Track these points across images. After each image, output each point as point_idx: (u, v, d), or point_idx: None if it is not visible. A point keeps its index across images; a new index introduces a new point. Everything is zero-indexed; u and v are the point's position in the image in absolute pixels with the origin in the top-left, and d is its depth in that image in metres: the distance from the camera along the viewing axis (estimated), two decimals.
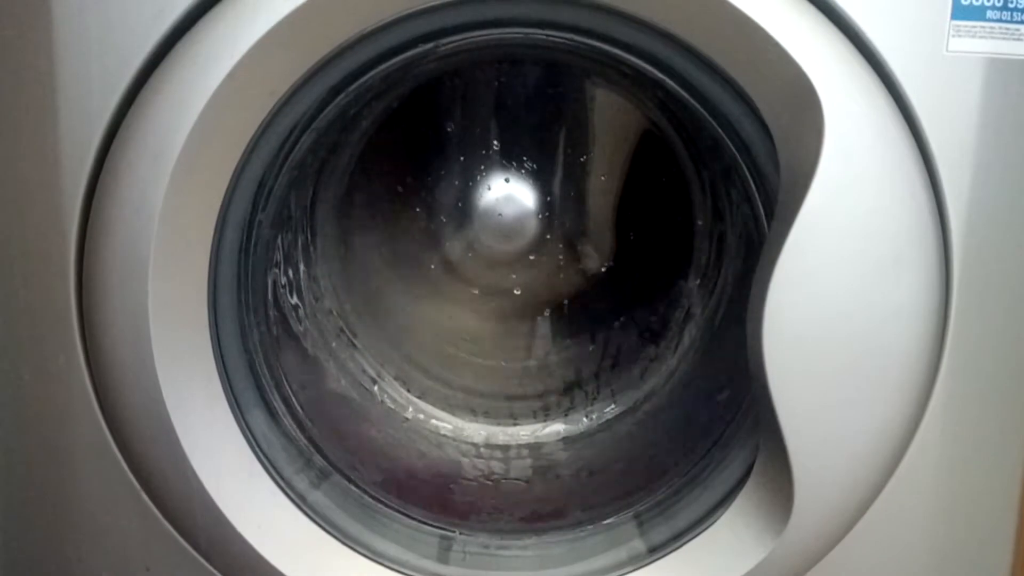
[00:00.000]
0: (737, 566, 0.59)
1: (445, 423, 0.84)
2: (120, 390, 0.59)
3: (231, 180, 0.60)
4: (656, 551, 0.64)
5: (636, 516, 0.68)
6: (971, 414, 0.61)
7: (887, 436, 0.58)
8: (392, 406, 0.83)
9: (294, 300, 0.78)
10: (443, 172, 0.84)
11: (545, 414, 0.85)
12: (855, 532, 0.61)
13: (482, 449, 0.82)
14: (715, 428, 0.70)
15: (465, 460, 0.80)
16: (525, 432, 0.84)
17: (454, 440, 0.83)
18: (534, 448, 0.83)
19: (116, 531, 0.64)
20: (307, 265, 0.80)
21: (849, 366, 0.55)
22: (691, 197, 0.82)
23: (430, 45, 0.62)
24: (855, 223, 0.54)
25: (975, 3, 0.54)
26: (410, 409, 0.84)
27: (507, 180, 0.83)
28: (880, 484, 0.60)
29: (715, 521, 0.62)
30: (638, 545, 0.66)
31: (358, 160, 0.82)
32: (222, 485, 0.60)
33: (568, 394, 0.86)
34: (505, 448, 0.82)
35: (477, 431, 0.84)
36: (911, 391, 0.58)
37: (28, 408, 0.62)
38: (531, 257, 0.84)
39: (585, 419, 0.84)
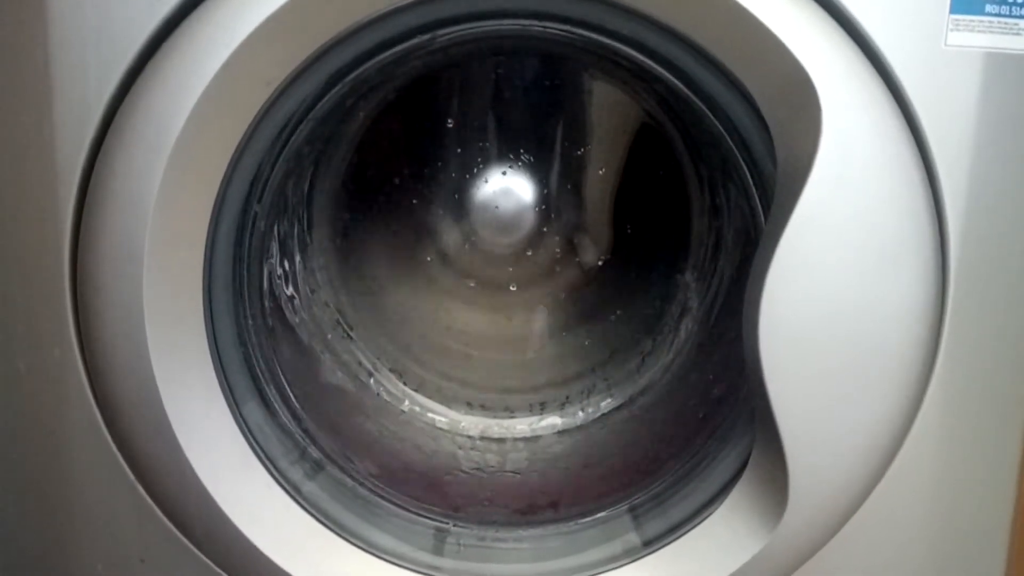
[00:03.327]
0: (731, 560, 0.59)
1: (441, 416, 0.84)
2: (115, 382, 0.59)
3: (227, 170, 0.60)
4: (651, 544, 0.64)
5: (631, 509, 0.68)
6: (967, 410, 0.61)
7: (882, 431, 0.58)
8: (388, 399, 0.83)
9: (290, 291, 0.78)
10: (440, 164, 0.83)
11: (541, 407, 0.85)
12: (850, 527, 0.61)
13: (478, 442, 0.82)
14: (711, 422, 0.70)
15: (461, 453, 0.80)
16: (521, 425, 0.84)
17: (450, 433, 0.83)
18: (530, 441, 0.83)
19: (111, 522, 0.64)
20: (303, 256, 0.80)
21: (845, 361, 0.55)
22: (688, 191, 0.82)
23: (427, 36, 0.61)
24: (852, 218, 0.54)
25: None
26: (406, 402, 0.84)
27: (504, 173, 0.82)
28: (875, 479, 0.60)
29: (710, 515, 0.62)
30: (633, 538, 0.66)
31: (355, 151, 0.82)
32: (217, 476, 0.60)
33: (564, 387, 0.86)
34: (501, 441, 0.82)
35: (473, 424, 0.84)
36: (907, 386, 0.58)
37: (24, 400, 0.62)
38: (528, 250, 0.84)
39: (581, 412, 0.84)
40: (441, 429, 0.83)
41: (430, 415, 0.84)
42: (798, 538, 0.59)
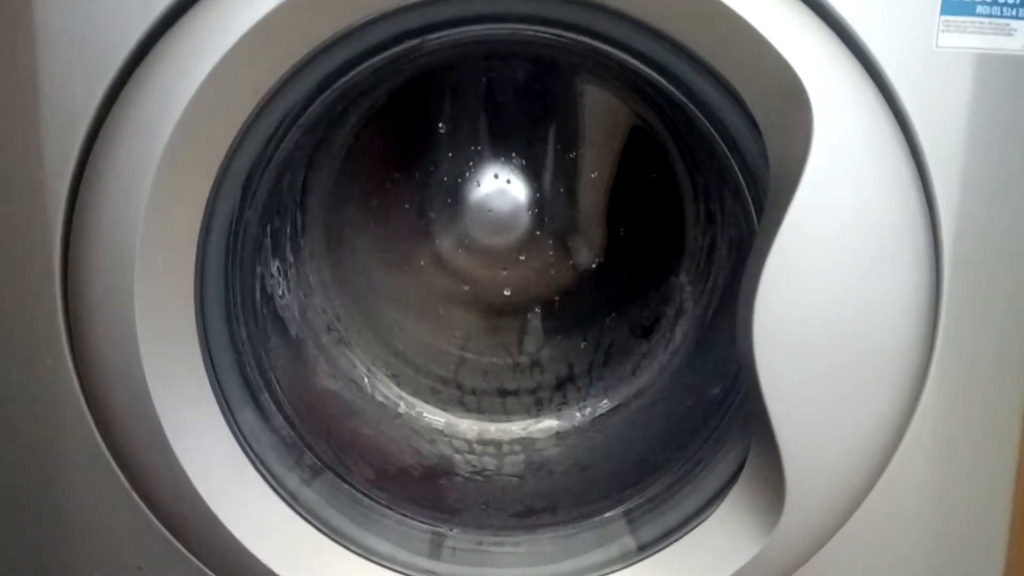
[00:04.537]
0: (727, 564, 0.59)
1: (437, 419, 0.84)
2: (108, 391, 0.58)
3: (216, 177, 0.59)
4: (646, 548, 0.64)
5: (627, 513, 0.68)
6: (963, 411, 0.60)
7: (879, 432, 0.58)
8: (383, 402, 0.83)
9: (283, 296, 0.78)
10: (432, 168, 0.83)
11: (538, 409, 0.85)
12: (847, 529, 0.61)
13: (474, 445, 0.82)
14: (707, 424, 0.70)
15: (457, 456, 0.80)
16: (517, 428, 0.84)
17: (446, 436, 0.83)
18: (526, 444, 0.82)
19: (107, 531, 0.63)
20: (296, 262, 0.80)
21: (840, 362, 0.55)
22: (681, 193, 0.81)
23: (417, 41, 0.61)
24: (844, 219, 0.53)
25: None
26: (402, 405, 0.84)
27: (496, 176, 0.82)
28: (872, 480, 0.60)
29: (706, 518, 0.62)
30: (628, 542, 0.65)
31: (346, 156, 0.82)
32: (212, 484, 0.60)
33: (560, 389, 0.86)
34: (497, 444, 0.82)
35: (469, 427, 0.84)
36: (902, 387, 0.58)
37: (17, 409, 0.62)
38: (522, 253, 0.84)
39: (578, 414, 0.84)
40: (437, 432, 0.83)
41: (426, 419, 0.84)
42: (795, 541, 0.59)
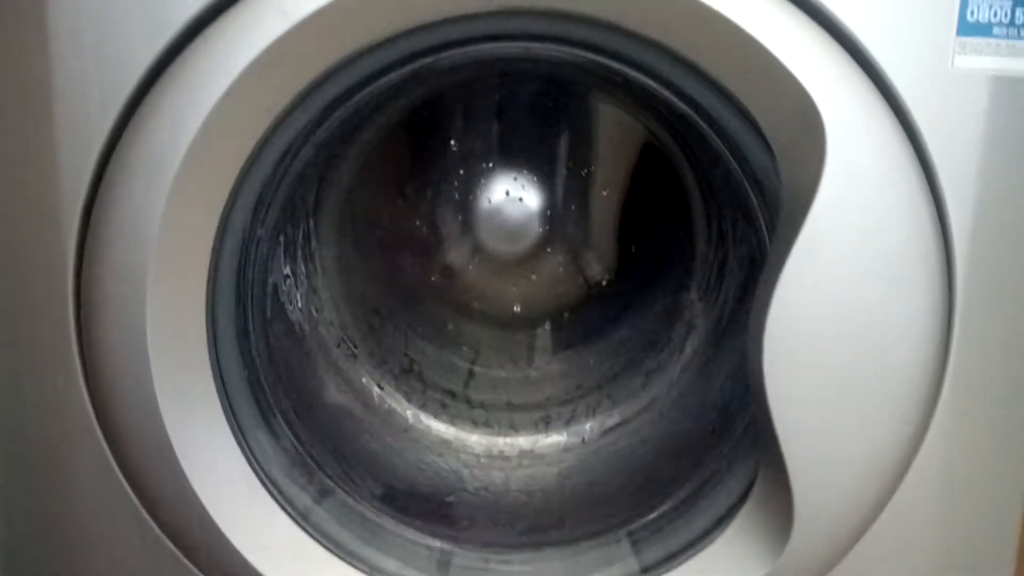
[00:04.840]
0: None
1: (446, 434, 0.84)
2: (119, 409, 0.58)
3: (229, 196, 0.59)
4: (649, 571, 0.63)
5: (631, 533, 0.68)
6: (975, 431, 0.60)
7: (889, 454, 0.58)
8: (393, 417, 0.83)
9: (294, 313, 0.78)
10: (444, 185, 0.83)
11: (546, 424, 0.84)
12: (856, 552, 0.60)
13: (483, 459, 0.82)
14: (716, 444, 0.69)
15: (466, 472, 0.80)
16: (526, 442, 0.83)
17: (454, 450, 0.82)
18: (534, 458, 0.82)
19: (118, 550, 0.64)
20: (307, 277, 0.80)
21: (851, 383, 0.55)
22: (693, 211, 0.81)
23: (429, 60, 0.61)
24: (857, 241, 0.53)
25: (981, 20, 0.53)
26: (411, 420, 0.84)
27: (508, 193, 0.82)
28: (882, 503, 0.59)
29: (712, 541, 0.62)
30: (632, 564, 0.65)
31: (358, 173, 0.82)
32: (222, 504, 0.60)
33: (569, 404, 0.86)
34: (506, 459, 0.82)
35: (478, 441, 0.83)
36: (914, 408, 0.57)
37: (29, 426, 0.62)
38: (532, 269, 0.84)
39: (587, 427, 0.84)
40: (446, 446, 0.83)
41: (435, 433, 0.83)
42: (803, 565, 0.59)
